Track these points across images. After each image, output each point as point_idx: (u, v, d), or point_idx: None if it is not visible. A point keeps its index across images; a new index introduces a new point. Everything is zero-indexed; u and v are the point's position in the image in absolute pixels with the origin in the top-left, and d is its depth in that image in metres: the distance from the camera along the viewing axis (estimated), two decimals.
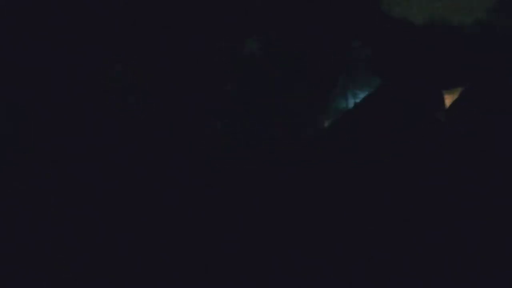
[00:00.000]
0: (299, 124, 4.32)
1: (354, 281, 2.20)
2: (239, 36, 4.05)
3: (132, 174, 3.11)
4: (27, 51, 3.32)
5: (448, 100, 3.86)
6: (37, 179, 3.01)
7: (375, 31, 4.15)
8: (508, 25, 3.53)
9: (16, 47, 3.29)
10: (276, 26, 4.10)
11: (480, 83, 3.50)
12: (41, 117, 3.28)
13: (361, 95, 4.31)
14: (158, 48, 3.71)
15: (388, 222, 2.68)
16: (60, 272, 2.42)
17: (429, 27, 3.88)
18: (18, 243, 2.65)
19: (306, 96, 4.40)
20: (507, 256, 2.26)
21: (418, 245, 2.41)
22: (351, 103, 4.29)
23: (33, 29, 3.33)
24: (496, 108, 3.29)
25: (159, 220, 2.83)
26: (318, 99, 4.37)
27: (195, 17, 3.78)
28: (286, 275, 2.28)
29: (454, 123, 3.43)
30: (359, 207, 2.85)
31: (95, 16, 3.43)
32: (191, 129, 3.66)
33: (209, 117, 3.93)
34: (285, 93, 4.32)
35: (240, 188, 3.11)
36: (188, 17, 3.75)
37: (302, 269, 2.32)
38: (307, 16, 4.11)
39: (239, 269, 2.38)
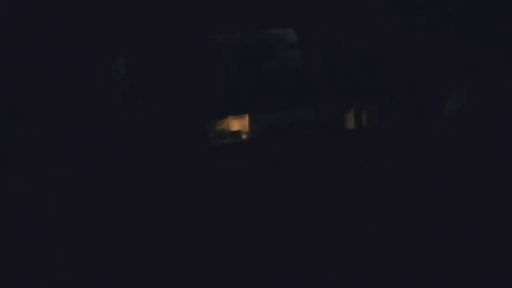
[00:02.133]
0: (300, 124, 4.31)
1: (354, 281, 2.20)
2: (239, 36, 4.05)
3: (132, 174, 3.11)
4: (27, 51, 3.31)
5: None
6: (37, 179, 3.01)
7: (375, 31, 4.15)
8: (507, 26, 3.54)
9: (16, 47, 3.29)
10: (276, 26, 4.09)
11: (480, 83, 3.51)
12: (41, 117, 3.27)
13: (365, 97, 4.30)
14: (158, 48, 3.71)
15: (388, 222, 2.68)
16: (60, 272, 2.42)
17: (428, 27, 3.88)
18: (18, 243, 2.65)
19: (309, 97, 4.39)
20: (507, 256, 2.26)
21: (418, 245, 2.42)
22: (353, 105, 4.29)
23: (33, 29, 3.33)
24: (496, 108, 3.29)
25: (159, 220, 2.84)
26: (321, 100, 4.36)
27: (195, 17, 3.77)
28: (286, 275, 2.28)
29: (454, 123, 3.43)
30: (359, 207, 2.85)
31: (95, 16, 3.43)
32: (191, 129, 3.66)
33: (209, 117, 3.92)
34: (287, 93, 4.32)
35: (240, 188, 3.11)
36: (188, 17, 3.75)
37: (302, 269, 2.32)
38: (308, 16, 4.11)
39: (239, 269, 2.38)
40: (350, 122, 3.72)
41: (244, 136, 3.99)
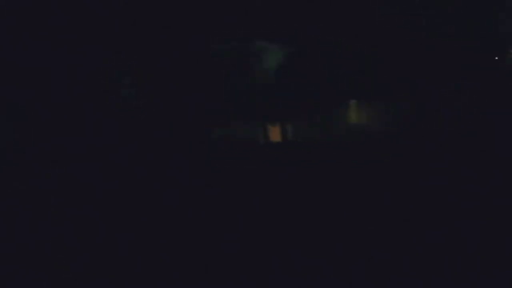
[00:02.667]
0: (300, 124, 4.31)
1: (354, 281, 2.20)
2: (239, 36, 4.06)
3: (132, 174, 3.11)
4: (27, 51, 3.32)
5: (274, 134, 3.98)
6: (37, 179, 3.01)
7: (375, 31, 4.15)
8: (508, 25, 3.54)
9: (16, 47, 3.29)
10: (276, 27, 4.10)
11: (480, 83, 3.51)
12: (41, 117, 3.28)
13: (363, 96, 4.31)
14: (158, 48, 3.72)
15: (388, 222, 2.68)
16: (60, 272, 2.42)
17: (429, 27, 3.88)
18: (18, 243, 2.65)
19: (309, 97, 4.39)
20: (507, 256, 2.27)
21: (418, 245, 2.42)
22: (352, 104, 4.30)
23: (33, 29, 3.33)
24: (496, 108, 3.29)
25: (159, 220, 2.84)
26: (321, 100, 4.37)
27: (195, 17, 3.78)
28: (286, 275, 2.28)
29: (454, 123, 3.43)
30: (359, 207, 2.85)
31: (95, 16, 3.43)
32: (191, 129, 3.66)
33: (209, 117, 3.92)
34: (287, 93, 4.32)
35: (240, 188, 3.11)
36: (188, 17, 3.75)
37: (302, 269, 2.32)
38: (308, 16, 4.11)
39: (239, 269, 2.38)
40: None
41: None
